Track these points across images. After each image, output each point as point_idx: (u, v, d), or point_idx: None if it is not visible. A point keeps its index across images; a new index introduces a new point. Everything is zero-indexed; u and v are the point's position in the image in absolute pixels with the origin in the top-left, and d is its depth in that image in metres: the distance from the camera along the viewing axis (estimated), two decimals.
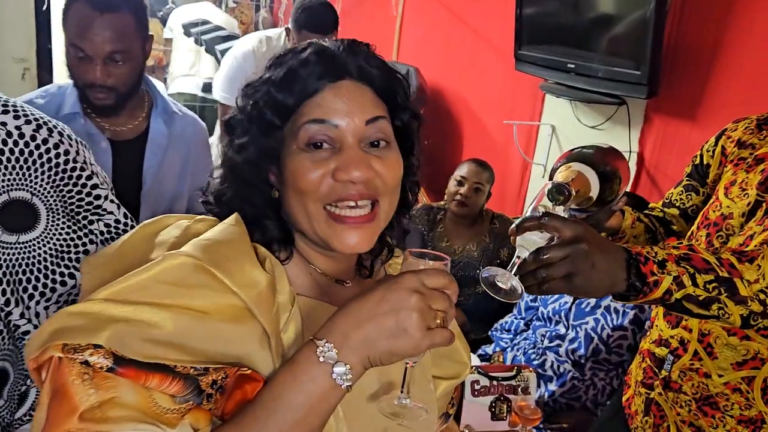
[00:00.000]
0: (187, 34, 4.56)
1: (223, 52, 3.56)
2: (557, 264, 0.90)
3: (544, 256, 0.90)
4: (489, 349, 2.39)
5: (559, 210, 0.99)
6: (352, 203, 0.78)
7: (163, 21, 6.10)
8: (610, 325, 2.04)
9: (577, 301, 2.14)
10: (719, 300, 0.96)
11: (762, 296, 0.97)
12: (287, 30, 2.71)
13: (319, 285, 0.85)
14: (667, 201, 1.48)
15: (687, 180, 1.44)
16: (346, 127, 0.77)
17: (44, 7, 3.84)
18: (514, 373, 1.80)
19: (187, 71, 4.81)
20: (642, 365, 1.41)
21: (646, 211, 1.50)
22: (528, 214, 0.97)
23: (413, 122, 0.86)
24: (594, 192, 1.07)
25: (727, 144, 1.33)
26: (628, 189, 1.18)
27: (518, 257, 0.94)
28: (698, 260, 0.97)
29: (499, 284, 0.93)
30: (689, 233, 1.36)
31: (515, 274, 0.92)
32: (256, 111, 0.79)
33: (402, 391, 0.78)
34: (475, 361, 2.27)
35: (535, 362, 2.18)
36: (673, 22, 2.21)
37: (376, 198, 0.79)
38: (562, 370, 2.14)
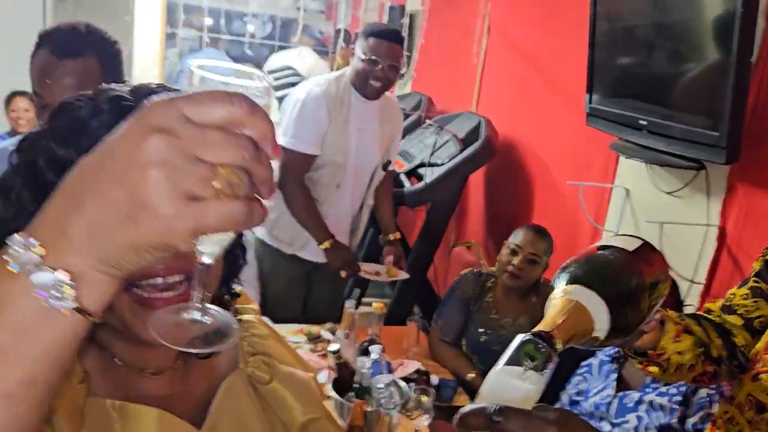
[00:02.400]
0: None
1: (280, 99, 3.51)
2: None
3: None
4: None
5: (531, 377, 0.63)
6: (159, 281, 0.59)
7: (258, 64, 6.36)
8: (655, 424, 1.69)
9: (619, 395, 1.82)
10: None
11: None
12: (352, 48, 2.70)
13: (120, 380, 0.68)
14: (728, 304, 1.15)
15: (755, 281, 1.12)
16: None
17: None
18: None
19: None
20: None
21: (700, 314, 1.18)
22: (492, 377, 0.65)
23: None
24: (601, 331, 0.73)
25: None
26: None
27: None
28: None
29: None
30: (754, 353, 1.05)
31: None
32: (32, 171, 0.62)
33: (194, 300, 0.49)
34: None
35: None
36: (762, 77, 1.87)
37: (190, 272, 0.59)
38: None
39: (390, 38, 2.55)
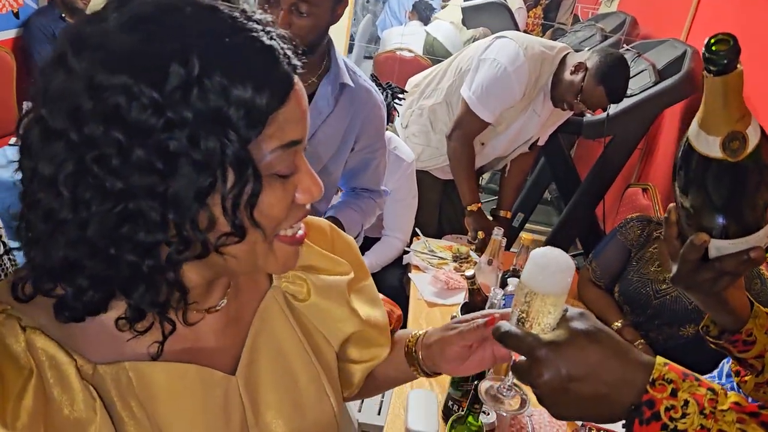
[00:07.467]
0: None
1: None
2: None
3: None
4: None
5: None
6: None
7: None
8: None
9: None
10: None
11: None
12: (565, 58, 2.48)
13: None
14: None
15: None
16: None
17: None
18: None
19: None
20: None
21: None
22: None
23: None
24: None
25: None
26: None
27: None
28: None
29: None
30: None
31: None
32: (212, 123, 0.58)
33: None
34: None
35: None
36: None
37: None
38: None
39: (617, 99, 2.49)
